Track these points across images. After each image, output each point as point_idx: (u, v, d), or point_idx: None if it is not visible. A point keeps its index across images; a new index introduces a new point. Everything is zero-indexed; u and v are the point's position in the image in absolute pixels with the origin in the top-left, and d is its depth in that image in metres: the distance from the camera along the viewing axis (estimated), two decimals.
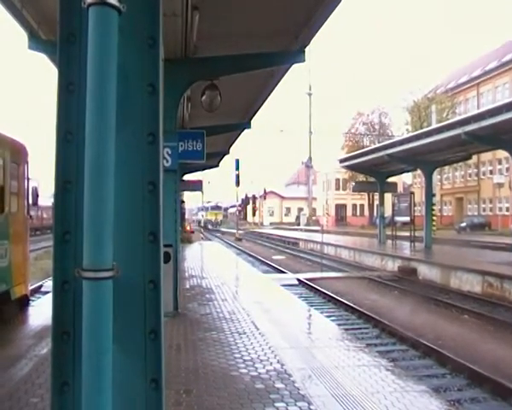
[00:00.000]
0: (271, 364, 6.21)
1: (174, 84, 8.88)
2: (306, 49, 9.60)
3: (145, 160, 1.76)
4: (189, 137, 10.80)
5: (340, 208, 76.94)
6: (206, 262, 21.33)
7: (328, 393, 5.21)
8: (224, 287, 13.02)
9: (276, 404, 4.92)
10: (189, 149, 10.63)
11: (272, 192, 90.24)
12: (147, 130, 1.76)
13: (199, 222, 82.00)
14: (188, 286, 13.07)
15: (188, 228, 38.32)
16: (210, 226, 77.44)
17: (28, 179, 9.83)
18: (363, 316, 12.08)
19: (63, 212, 1.75)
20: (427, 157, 24.10)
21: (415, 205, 26.25)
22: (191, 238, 35.39)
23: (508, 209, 45.70)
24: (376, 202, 41.79)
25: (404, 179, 66.90)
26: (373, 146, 37.12)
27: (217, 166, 27.46)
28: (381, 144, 31.50)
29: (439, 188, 55.38)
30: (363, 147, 51.93)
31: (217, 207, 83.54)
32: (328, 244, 29.89)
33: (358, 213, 75.90)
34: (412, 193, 26.52)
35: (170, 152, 9.10)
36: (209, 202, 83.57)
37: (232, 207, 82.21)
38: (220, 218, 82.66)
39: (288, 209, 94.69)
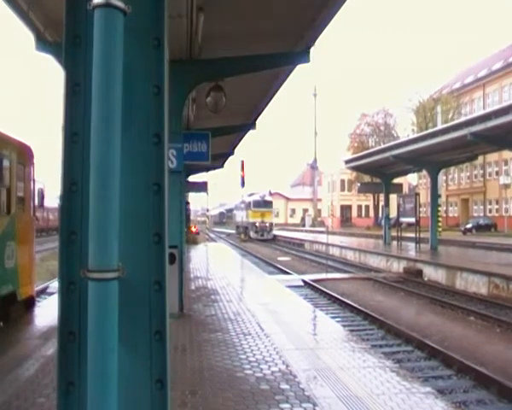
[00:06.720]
0: (276, 365, 6.20)
1: (179, 86, 8.90)
2: (311, 50, 9.60)
3: (150, 161, 1.77)
4: (194, 138, 10.82)
5: (346, 209, 76.89)
6: (212, 263, 21.34)
7: (334, 394, 5.19)
8: (229, 288, 13.02)
9: (282, 405, 4.91)
10: (193, 150, 10.64)
11: (277, 193, 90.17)
12: (152, 131, 1.77)
13: (237, 227, 57.56)
14: (193, 287, 13.08)
15: (193, 229, 38.29)
16: (252, 234, 48.01)
17: (34, 181, 9.88)
18: (369, 317, 12.05)
19: (69, 213, 1.76)
20: (432, 158, 24.03)
21: (420, 206, 26.16)
22: (196, 240, 35.43)
23: None
24: (381, 203, 41.66)
25: (409, 180, 66.81)
26: (378, 147, 37.05)
27: (221, 167, 27.50)
28: (386, 145, 31.42)
29: (445, 189, 55.20)
30: (368, 148, 51.88)
31: (264, 203, 49.25)
32: (334, 245, 29.84)
33: (363, 214, 75.82)
34: (417, 194, 26.41)
35: (175, 153, 9.12)
36: (251, 195, 52.79)
37: None
38: (270, 220, 49.24)
39: (293, 210, 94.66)
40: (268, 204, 49.72)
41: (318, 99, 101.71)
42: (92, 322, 1.56)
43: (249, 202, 49.84)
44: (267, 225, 48.23)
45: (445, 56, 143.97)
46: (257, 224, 47.73)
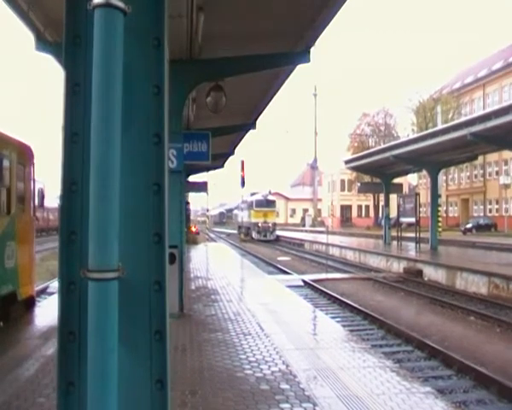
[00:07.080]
0: (276, 365, 6.20)
1: (179, 86, 8.90)
2: (311, 50, 9.61)
3: (150, 161, 1.77)
4: (194, 138, 10.82)
5: (346, 209, 76.92)
6: (212, 263, 21.34)
7: (334, 394, 5.19)
8: (229, 288, 13.02)
9: (282, 405, 4.91)
10: (194, 150, 10.65)
11: (277, 193, 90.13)
12: (152, 131, 1.77)
13: (239, 227, 55.92)
14: (193, 287, 13.08)
15: (193, 229, 38.29)
16: (255, 235, 46.63)
17: (34, 181, 9.88)
18: (369, 317, 12.05)
19: (69, 213, 1.76)
20: (432, 158, 24.03)
21: (420, 206, 26.15)
22: (196, 240, 35.44)
23: None
24: (381, 203, 41.67)
25: (409, 180, 66.80)
26: (378, 147, 37.06)
27: (222, 166, 27.51)
28: (386, 145, 31.44)
29: (445, 189, 55.21)
30: (368, 148, 51.89)
31: (266, 203, 47.46)
32: (334, 245, 29.85)
33: (364, 214, 75.85)
34: (417, 194, 26.39)
35: (175, 153, 9.12)
36: (254, 194, 50.69)
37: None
38: (273, 220, 47.50)
39: (294, 210, 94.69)
40: (271, 204, 47.92)
41: (318, 99, 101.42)
42: (92, 322, 1.56)
43: (251, 202, 47.97)
44: (270, 225, 46.36)
45: (445, 56, 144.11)
46: (259, 224, 46.01)
